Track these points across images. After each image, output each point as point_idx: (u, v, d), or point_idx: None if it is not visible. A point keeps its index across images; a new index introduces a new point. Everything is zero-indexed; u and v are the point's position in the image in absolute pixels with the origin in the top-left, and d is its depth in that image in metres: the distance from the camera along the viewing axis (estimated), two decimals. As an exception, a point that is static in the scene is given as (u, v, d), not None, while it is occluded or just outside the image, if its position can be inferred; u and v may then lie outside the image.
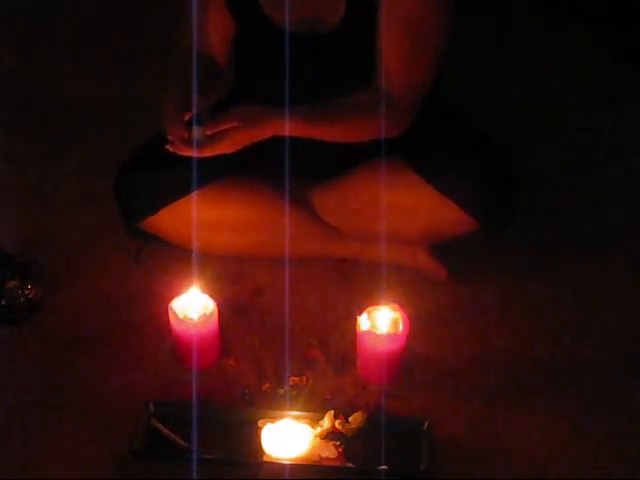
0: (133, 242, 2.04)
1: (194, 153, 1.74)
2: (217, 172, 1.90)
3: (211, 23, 1.88)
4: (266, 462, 1.63)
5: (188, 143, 1.73)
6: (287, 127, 1.76)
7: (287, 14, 1.77)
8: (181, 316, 1.75)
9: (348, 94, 1.80)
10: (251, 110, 1.75)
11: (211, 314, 1.77)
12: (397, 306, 1.74)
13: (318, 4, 1.78)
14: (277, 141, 1.86)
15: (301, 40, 1.80)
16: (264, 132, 1.75)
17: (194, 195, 1.91)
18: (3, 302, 1.90)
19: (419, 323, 1.80)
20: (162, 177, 1.92)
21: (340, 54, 1.82)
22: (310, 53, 1.82)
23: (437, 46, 1.78)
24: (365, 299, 1.78)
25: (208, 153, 1.74)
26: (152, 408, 1.70)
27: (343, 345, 1.83)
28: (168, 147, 1.75)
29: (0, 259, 1.96)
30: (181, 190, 1.91)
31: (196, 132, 1.74)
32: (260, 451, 1.64)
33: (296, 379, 1.78)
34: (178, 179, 1.89)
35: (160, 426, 1.68)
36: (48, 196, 2.24)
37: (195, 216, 1.91)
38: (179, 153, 1.74)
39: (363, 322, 1.73)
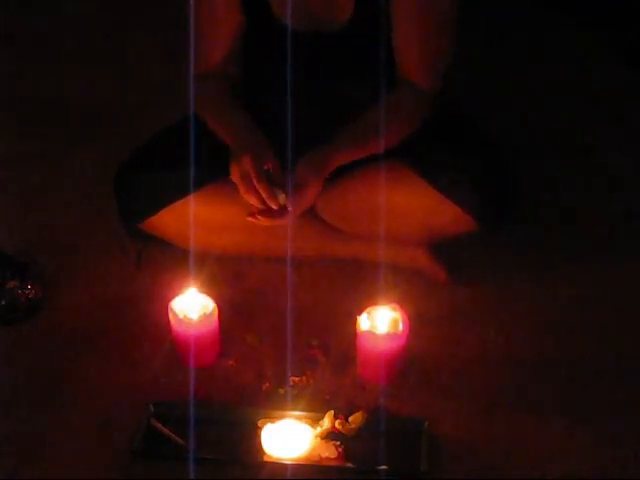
0: (133, 245, 2.04)
1: (279, 222, 1.77)
2: (217, 172, 1.90)
3: (225, 32, 1.87)
4: (266, 462, 1.62)
5: (269, 212, 1.76)
6: (346, 159, 1.81)
7: (289, 11, 1.78)
8: (181, 316, 1.76)
9: (377, 99, 1.82)
10: (314, 161, 1.77)
11: (211, 314, 1.77)
12: (397, 306, 1.74)
13: (327, 3, 1.78)
14: (277, 142, 1.86)
15: (310, 40, 1.81)
16: (328, 172, 1.79)
17: (194, 196, 1.90)
18: (3, 302, 1.90)
19: (419, 323, 1.80)
20: (161, 178, 1.92)
21: (350, 51, 1.83)
22: (320, 52, 1.83)
23: (451, 28, 1.81)
24: (365, 299, 1.78)
25: (292, 217, 1.78)
26: (152, 408, 1.70)
27: (343, 345, 1.83)
28: (250, 219, 1.77)
29: (0, 259, 1.96)
30: (181, 191, 1.91)
31: (280, 199, 1.76)
32: (260, 451, 1.64)
33: (296, 379, 1.78)
34: (178, 180, 1.89)
35: (160, 426, 1.68)
36: (48, 196, 2.24)
37: (195, 217, 1.91)
38: (263, 224, 1.77)
39: (363, 322, 1.73)
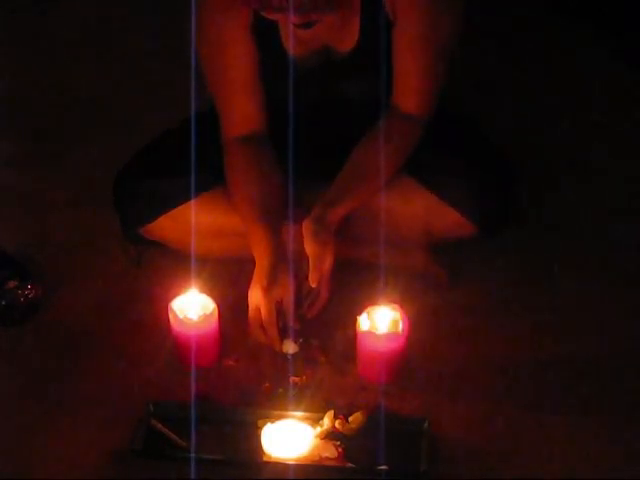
0: (134, 247, 2.03)
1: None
2: (216, 178, 1.90)
3: (245, 68, 1.86)
4: (266, 462, 1.62)
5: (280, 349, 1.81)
6: (348, 210, 1.82)
7: (291, 43, 1.81)
8: (181, 316, 1.75)
9: (372, 130, 1.84)
10: (317, 231, 1.76)
11: (211, 314, 1.77)
12: (397, 306, 1.74)
13: (332, 34, 1.81)
14: (277, 145, 1.87)
15: (318, 68, 1.84)
16: (334, 231, 1.80)
17: (193, 202, 1.90)
18: (3, 302, 1.90)
19: (419, 323, 1.80)
20: (159, 185, 1.91)
21: (357, 73, 1.85)
22: (327, 78, 1.85)
23: (450, 57, 1.83)
24: (365, 299, 1.78)
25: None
26: (152, 408, 1.70)
27: (343, 345, 1.83)
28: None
29: (0, 259, 1.96)
30: (179, 198, 1.91)
31: (290, 348, 1.82)
32: (260, 451, 1.64)
33: (296, 379, 1.78)
34: (176, 186, 1.89)
35: (160, 426, 1.68)
36: (48, 196, 2.24)
37: (195, 223, 1.90)
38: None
39: (363, 322, 1.73)
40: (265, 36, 1.82)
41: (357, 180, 1.83)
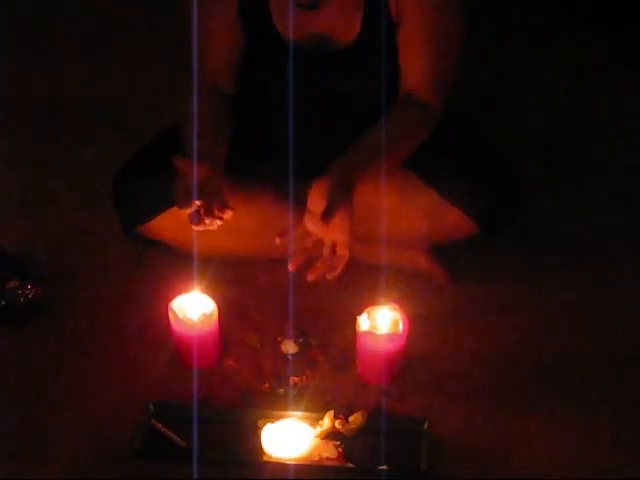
0: (134, 246, 2.03)
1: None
2: None
3: (223, 42, 1.88)
4: (266, 462, 1.63)
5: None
6: (368, 176, 1.77)
7: (291, 29, 1.80)
8: (181, 316, 1.75)
9: (387, 114, 1.82)
10: (337, 182, 1.70)
11: (211, 314, 1.77)
12: (397, 306, 1.74)
13: (332, 22, 1.80)
14: (278, 143, 1.86)
15: (314, 57, 1.83)
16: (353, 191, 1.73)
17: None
18: (3, 302, 1.90)
19: (419, 323, 1.80)
20: (160, 182, 1.90)
21: (355, 69, 1.84)
22: (325, 69, 1.85)
23: (458, 48, 1.84)
24: (365, 299, 1.78)
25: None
26: (152, 408, 1.70)
27: (343, 345, 1.83)
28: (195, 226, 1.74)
29: (0, 259, 1.96)
30: None
31: (290, 347, 1.82)
32: (260, 451, 1.64)
33: (296, 379, 1.78)
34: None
35: (160, 426, 1.68)
36: (48, 196, 2.24)
37: None
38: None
39: (363, 322, 1.73)
40: (255, 17, 1.83)
41: (376, 149, 1.77)
